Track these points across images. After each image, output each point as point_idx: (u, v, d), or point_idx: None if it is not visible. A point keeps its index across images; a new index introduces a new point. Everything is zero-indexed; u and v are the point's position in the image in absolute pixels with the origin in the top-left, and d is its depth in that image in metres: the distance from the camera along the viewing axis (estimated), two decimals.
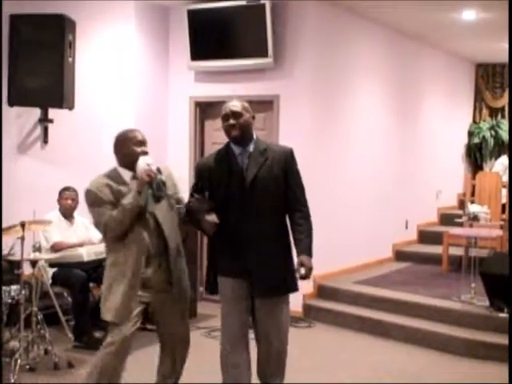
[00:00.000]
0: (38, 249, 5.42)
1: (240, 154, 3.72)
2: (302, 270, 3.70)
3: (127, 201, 3.68)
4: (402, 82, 8.61)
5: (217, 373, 3.94)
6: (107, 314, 3.79)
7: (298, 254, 3.75)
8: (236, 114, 3.68)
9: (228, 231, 3.69)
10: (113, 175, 3.84)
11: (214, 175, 3.74)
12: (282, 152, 3.77)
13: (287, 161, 3.74)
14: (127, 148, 3.81)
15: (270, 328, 3.76)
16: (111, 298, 3.77)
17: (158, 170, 3.80)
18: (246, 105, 3.77)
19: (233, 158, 3.72)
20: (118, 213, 3.68)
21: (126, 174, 3.82)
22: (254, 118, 3.80)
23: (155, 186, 3.73)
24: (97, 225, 3.82)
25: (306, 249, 3.75)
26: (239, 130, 3.68)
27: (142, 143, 3.83)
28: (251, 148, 3.72)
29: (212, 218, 3.66)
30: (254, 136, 3.78)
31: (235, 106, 3.71)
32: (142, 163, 3.72)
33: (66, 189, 5.93)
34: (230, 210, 3.69)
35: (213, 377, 4.17)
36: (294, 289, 3.83)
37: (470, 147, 10.86)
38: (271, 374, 3.86)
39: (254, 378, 3.93)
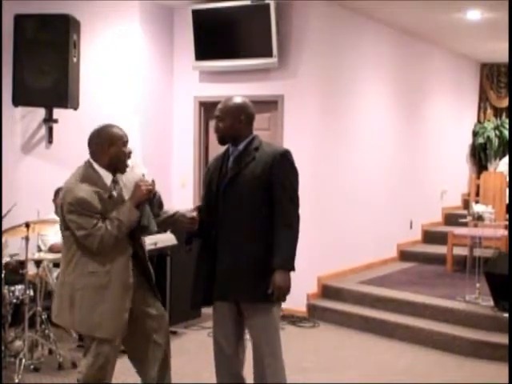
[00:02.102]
0: (42, 249, 5.42)
1: (231, 153, 3.68)
2: (270, 290, 3.44)
3: (124, 217, 3.45)
4: (406, 82, 8.60)
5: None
6: (98, 331, 3.49)
7: (272, 268, 3.47)
8: (218, 117, 3.67)
9: (207, 231, 3.63)
10: (94, 178, 3.54)
11: (210, 173, 3.74)
12: (271, 153, 3.57)
13: (274, 162, 3.53)
14: (117, 148, 3.56)
15: (251, 335, 3.64)
16: (100, 312, 3.48)
17: (153, 182, 3.62)
18: (233, 106, 3.65)
19: (226, 158, 3.70)
20: (114, 229, 3.43)
21: (107, 177, 3.57)
22: (248, 117, 3.65)
23: (156, 203, 3.64)
24: (84, 236, 3.43)
25: (279, 261, 3.45)
26: (219, 133, 3.66)
27: (127, 143, 3.62)
28: (241, 147, 3.64)
29: (191, 214, 3.62)
30: (251, 136, 3.67)
31: (217, 109, 3.67)
32: (136, 175, 3.55)
33: (61, 189, 5.92)
34: (210, 208, 3.65)
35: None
36: (262, 298, 3.49)
37: (474, 147, 10.85)
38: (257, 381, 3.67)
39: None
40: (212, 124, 7.42)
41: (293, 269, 3.51)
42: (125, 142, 3.59)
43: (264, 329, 3.56)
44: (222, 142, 3.70)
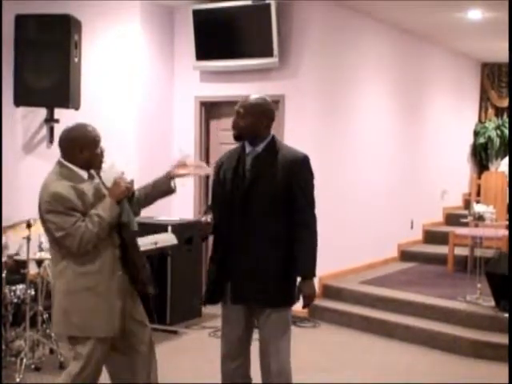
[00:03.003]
0: (43, 248, 5.42)
1: (249, 153, 3.59)
2: (301, 299, 3.54)
3: (105, 213, 3.38)
4: (407, 82, 8.60)
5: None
6: (97, 331, 3.44)
7: (298, 277, 3.56)
8: (239, 114, 3.56)
9: (222, 232, 3.57)
10: (70, 175, 3.45)
11: (222, 171, 3.64)
12: (291, 158, 3.53)
13: (295, 168, 3.50)
14: (90, 151, 3.46)
15: (262, 341, 3.60)
16: (97, 311, 3.43)
17: (132, 181, 3.57)
18: (257, 104, 3.55)
19: (242, 157, 3.60)
20: (94, 226, 3.35)
21: (83, 174, 3.50)
22: (269, 117, 3.58)
23: (135, 201, 3.61)
24: (63, 236, 3.34)
25: (303, 270, 3.53)
26: (237, 130, 3.57)
27: (99, 143, 3.50)
28: (260, 148, 3.57)
29: (205, 218, 3.59)
30: (270, 136, 3.59)
31: (240, 105, 3.57)
32: (116, 173, 3.50)
33: None
34: (226, 208, 3.57)
35: (217, 376, 4.16)
36: (281, 303, 3.52)
37: (475, 147, 10.83)
38: None
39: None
40: (213, 124, 7.43)
41: (314, 276, 3.59)
42: (97, 143, 3.49)
43: (277, 332, 3.54)
44: (238, 138, 3.61)
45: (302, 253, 3.52)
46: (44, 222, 3.45)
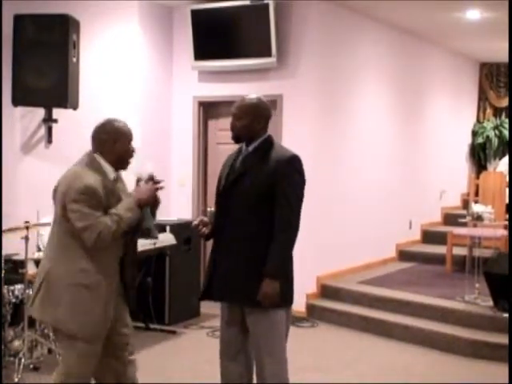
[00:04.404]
0: (41, 249, 5.42)
1: (243, 152, 3.62)
2: (261, 297, 3.40)
3: (126, 214, 3.36)
4: (405, 82, 8.60)
5: (219, 372, 3.94)
6: (86, 329, 3.38)
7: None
8: (235, 115, 3.58)
9: (215, 229, 3.61)
10: (99, 169, 3.43)
11: (222, 171, 3.70)
12: (279, 157, 3.49)
13: (279, 167, 3.45)
14: (123, 145, 3.47)
15: (251, 341, 3.60)
16: (89, 310, 3.38)
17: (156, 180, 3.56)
18: (253, 105, 3.57)
19: (237, 157, 3.64)
20: (114, 224, 3.33)
21: (110, 172, 3.48)
22: (265, 117, 3.59)
23: (157, 205, 3.62)
24: (84, 228, 3.31)
25: (267, 269, 3.40)
26: (234, 132, 3.59)
27: (132, 140, 3.52)
28: (252, 148, 3.58)
29: (196, 221, 3.63)
30: (265, 136, 3.59)
31: (235, 106, 3.59)
32: (145, 172, 3.50)
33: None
34: (218, 206, 3.64)
35: (215, 376, 4.16)
36: (260, 304, 3.43)
37: (474, 147, 10.84)
38: None
39: None
40: (211, 124, 7.43)
41: (283, 276, 3.46)
42: (131, 139, 3.50)
43: (262, 330, 3.51)
44: (236, 140, 3.62)
45: (272, 251, 3.42)
46: (64, 208, 3.37)
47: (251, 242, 3.49)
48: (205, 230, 3.63)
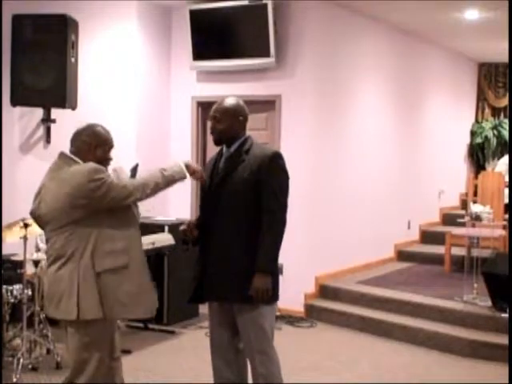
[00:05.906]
0: (40, 249, 5.42)
1: (224, 154, 3.67)
2: (253, 292, 3.44)
3: (170, 172, 3.45)
4: (404, 82, 8.60)
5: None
6: (130, 312, 3.42)
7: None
8: (215, 118, 3.64)
9: (202, 232, 3.64)
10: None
11: (206, 175, 3.72)
12: (261, 155, 3.54)
13: (263, 165, 3.50)
14: (103, 151, 3.45)
15: (243, 340, 3.63)
16: (141, 291, 3.39)
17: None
18: (231, 107, 3.64)
19: (219, 159, 3.70)
20: (160, 179, 3.41)
21: None
22: (244, 118, 3.66)
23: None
24: (129, 194, 3.31)
25: (258, 264, 3.45)
26: (215, 135, 3.64)
27: (112, 148, 3.49)
28: (233, 149, 3.62)
29: (182, 227, 3.65)
30: (244, 136, 3.65)
31: (214, 110, 3.65)
32: (125, 175, 3.55)
33: None
34: (203, 208, 3.71)
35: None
36: (249, 300, 3.47)
37: (472, 147, 10.86)
38: None
39: None
40: (209, 124, 7.41)
41: (272, 271, 3.50)
42: (111, 147, 3.47)
43: (251, 328, 3.55)
44: (218, 143, 3.68)
45: (262, 247, 3.46)
46: (91, 203, 3.27)
47: (239, 241, 3.53)
48: (195, 233, 3.64)
